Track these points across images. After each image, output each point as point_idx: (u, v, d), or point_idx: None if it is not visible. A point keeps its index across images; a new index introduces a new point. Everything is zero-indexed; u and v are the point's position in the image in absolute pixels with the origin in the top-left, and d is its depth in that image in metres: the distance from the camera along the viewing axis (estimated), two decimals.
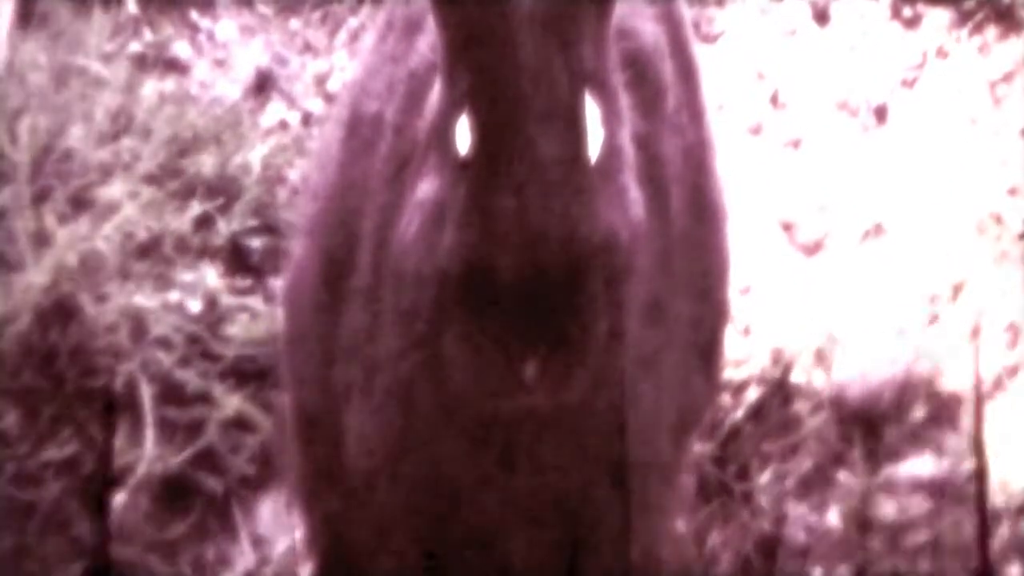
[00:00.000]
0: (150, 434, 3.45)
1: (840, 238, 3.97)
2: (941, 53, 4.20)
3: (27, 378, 3.44)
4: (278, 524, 3.46)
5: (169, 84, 4.08)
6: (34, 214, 3.62)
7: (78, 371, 3.47)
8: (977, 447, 3.50)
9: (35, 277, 3.50)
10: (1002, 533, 3.44)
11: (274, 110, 4.15)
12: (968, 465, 3.53)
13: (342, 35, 4.30)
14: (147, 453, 3.43)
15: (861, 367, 3.67)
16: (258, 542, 3.49)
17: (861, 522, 3.48)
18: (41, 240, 3.58)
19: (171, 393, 3.51)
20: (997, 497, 3.45)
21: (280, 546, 3.45)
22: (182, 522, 3.46)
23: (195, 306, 3.60)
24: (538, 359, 2.14)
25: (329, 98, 4.14)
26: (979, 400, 3.60)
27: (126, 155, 3.79)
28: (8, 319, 3.45)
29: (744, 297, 3.80)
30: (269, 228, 3.79)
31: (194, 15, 4.27)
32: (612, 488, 2.46)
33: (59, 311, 3.49)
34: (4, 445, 3.38)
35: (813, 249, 3.98)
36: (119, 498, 3.40)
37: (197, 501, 3.48)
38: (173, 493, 3.47)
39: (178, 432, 3.48)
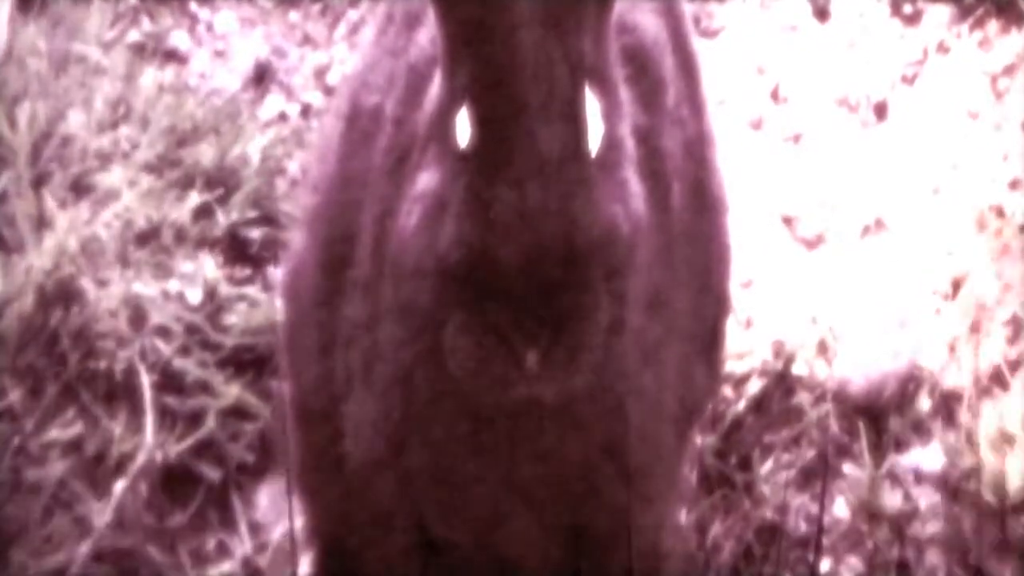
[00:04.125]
0: (150, 423, 3.45)
1: (841, 232, 3.97)
2: (942, 48, 4.20)
3: (30, 357, 3.44)
4: (276, 511, 3.46)
5: (168, 74, 4.07)
6: (34, 198, 3.62)
7: (81, 353, 3.47)
8: (974, 443, 3.50)
9: (37, 259, 3.50)
10: (997, 531, 3.45)
11: (273, 102, 4.15)
12: (966, 461, 3.53)
13: (342, 28, 4.30)
14: (147, 441, 3.43)
15: (863, 361, 3.67)
16: (256, 529, 3.49)
17: (868, 513, 3.49)
18: (41, 224, 3.58)
19: (170, 382, 3.51)
20: (993, 495, 3.45)
21: (277, 532, 3.45)
22: (181, 511, 3.46)
23: (194, 296, 3.60)
24: (539, 350, 2.14)
25: (328, 90, 4.14)
26: (977, 395, 3.60)
27: (125, 143, 3.79)
28: (11, 299, 3.45)
29: (746, 290, 3.80)
30: (268, 219, 3.79)
31: (193, 6, 4.27)
32: (614, 478, 2.46)
33: (61, 294, 3.49)
34: (9, 421, 3.38)
35: (814, 243, 3.98)
36: (119, 486, 3.40)
37: (197, 490, 3.48)
38: (173, 482, 3.47)
39: (178, 421, 3.48)
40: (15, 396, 3.40)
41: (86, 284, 3.51)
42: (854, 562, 3.47)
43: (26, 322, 3.45)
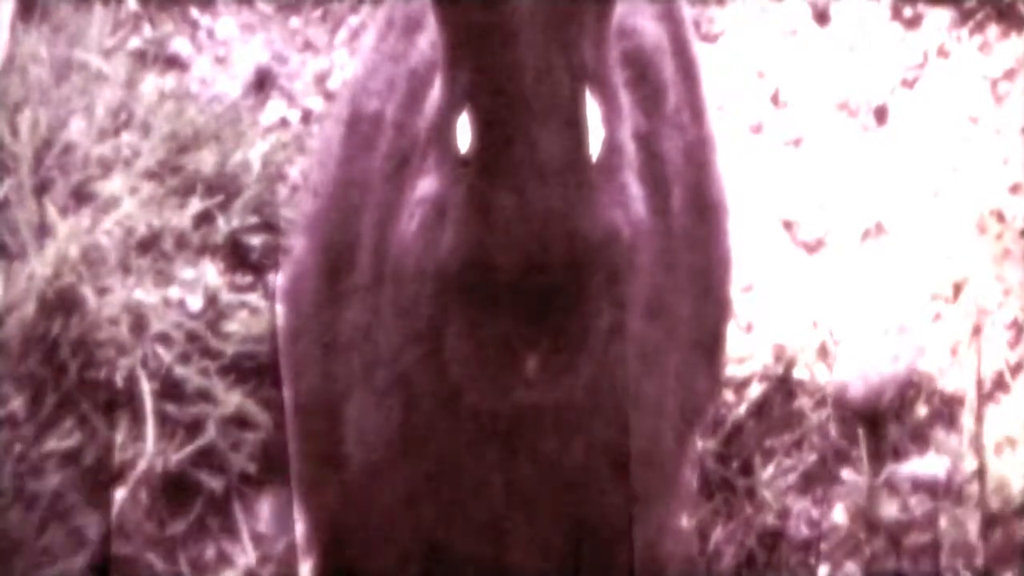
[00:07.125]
0: (150, 430, 3.45)
1: (841, 236, 3.97)
2: (942, 52, 4.20)
3: (30, 366, 3.44)
4: (279, 521, 3.46)
5: (169, 81, 4.07)
6: (36, 206, 3.62)
7: (81, 362, 3.46)
8: (978, 447, 3.50)
9: (38, 267, 3.49)
10: (999, 536, 3.44)
11: (274, 108, 4.14)
12: (968, 465, 3.53)
13: (342, 33, 4.30)
14: (147, 449, 3.43)
15: (863, 365, 3.67)
16: (259, 540, 3.49)
17: (866, 521, 3.49)
18: (43, 231, 3.58)
19: (171, 390, 3.51)
20: (995, 499, 3.45)
21: (281, 544, 3.45)
22: (182, 519, 3.45)
23: (195, 303, 3.60)
24: (539, 355, 2.15)
25: (329, 96, 4.14)
26: (980, 399, 3.60)
27: (126, 150, 3.79)
28: (12, 307, 3.45)
29: (746, 294, 3.80)
30: (269, 225, 3.78)
31: (194, 12, 4.27)
32: (615, 483, 2.46)
33: (62, 302, 3.49)
34: (10, 430, 3.37)
35: (814, 247, 3.98)
36: (119, 494, 3.39)
37: (197, 498, 3.48)
38: (173, 490, 3.46)
39: (178, 429, 3.48)
40: (16, 404, 3.40)
41: (87, 292, 3.50)
42: (852, 568, 3.47)
43: (27, 330, 3.45)
